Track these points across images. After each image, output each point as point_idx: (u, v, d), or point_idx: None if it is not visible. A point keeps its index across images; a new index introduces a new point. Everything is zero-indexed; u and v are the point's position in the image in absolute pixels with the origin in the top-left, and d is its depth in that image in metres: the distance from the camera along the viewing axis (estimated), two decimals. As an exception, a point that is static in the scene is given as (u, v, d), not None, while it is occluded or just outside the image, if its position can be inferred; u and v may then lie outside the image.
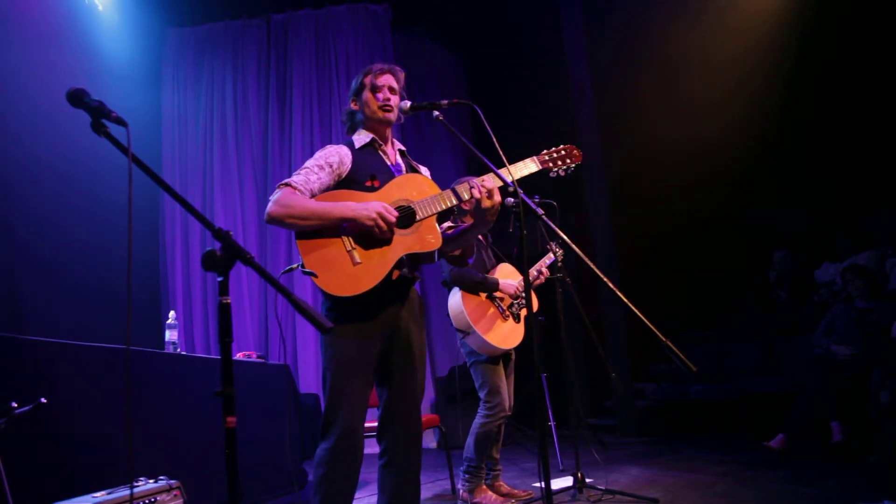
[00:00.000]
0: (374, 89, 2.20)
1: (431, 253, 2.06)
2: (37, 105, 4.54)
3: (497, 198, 2.04)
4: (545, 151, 2.20)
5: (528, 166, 2.15)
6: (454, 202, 2.08)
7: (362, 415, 2.01)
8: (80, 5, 5.44)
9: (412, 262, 2.07)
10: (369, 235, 1.97)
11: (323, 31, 6.75)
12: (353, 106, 2.26)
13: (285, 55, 6.74)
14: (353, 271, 1.95)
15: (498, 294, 3.45)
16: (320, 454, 1.95)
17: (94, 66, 5.50)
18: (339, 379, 1.98)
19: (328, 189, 2.07)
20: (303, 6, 6.76)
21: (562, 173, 2.20)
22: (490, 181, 2.05)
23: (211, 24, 6.74)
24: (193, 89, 6.66)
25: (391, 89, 2.20)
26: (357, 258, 1.96)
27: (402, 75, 2.26)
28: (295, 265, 2.01)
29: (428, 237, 2.05)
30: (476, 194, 2.03)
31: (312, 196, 2.03)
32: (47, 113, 4.48)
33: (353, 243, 1.98)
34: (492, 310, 3.41)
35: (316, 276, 1.91)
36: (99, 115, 1.32)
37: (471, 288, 3.40)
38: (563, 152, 2.21)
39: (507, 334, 3.40)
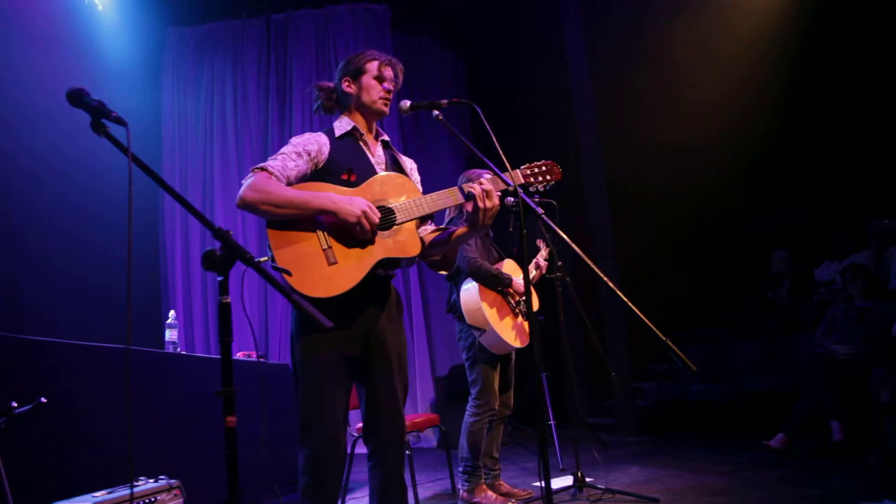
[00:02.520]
0: (380, 79, 2.12)
1: (409, 258, 1.98)
2: (37, 105, 4.54)
3: (495, 201, 1.96)
4: (526, 165, 2.16)
5: (517, 177, 2.11)
6: (438, 207, 2.00)
7: (342, 420, 1.94)
8: (80, 5, 5.44)
9: (388, 264, 1.98)
10: (347, 233, 1.88)
11: (323, 30, 6.76)
12: (345, 87, 2.12)
13: (285, 55, 6.74)
14: (327, 272, 1.85)
15: (509, 290, 3.44)
16: (302, 463, 1.89)
17: (94, 65, 5.50)
18: (313, 386, 1.91)
19: (305, 178, 1.97)
20: (302, 6, 6.76)
21: (541, 188, 2.16)
22: (488, 183, 1.97)
23: (211, 23, 6.75)
24: (193, 89, 6.67)
25: (392, 82, 2.14)
26: (333, 257, 1.87)
27: (401, 69, 2.18)
28: (264, 258, 1.92)
29: (407, 243, 1.96)
30: (476, 192, 1.94)
31: (289, 184, 1.91)
32: (47, 112, 4.48)
33: (329, 240, 1.88)
34: (506, 307, 3.39)
35: (289, 273, 1.79)
36: (99, 114, 1.32)
37: (487, 281, 3.34)
38: (543, 168, 2.17)
39: (519, 331, 3.39)
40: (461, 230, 2.09)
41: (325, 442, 1.88)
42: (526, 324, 3.46)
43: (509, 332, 3.33)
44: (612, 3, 6.25)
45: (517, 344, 3.35)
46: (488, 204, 1.94)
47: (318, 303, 1.80)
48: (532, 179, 2.15)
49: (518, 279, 3.42)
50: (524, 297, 3.47)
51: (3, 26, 4.52)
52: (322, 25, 6.77)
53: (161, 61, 6.71)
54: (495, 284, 3.36)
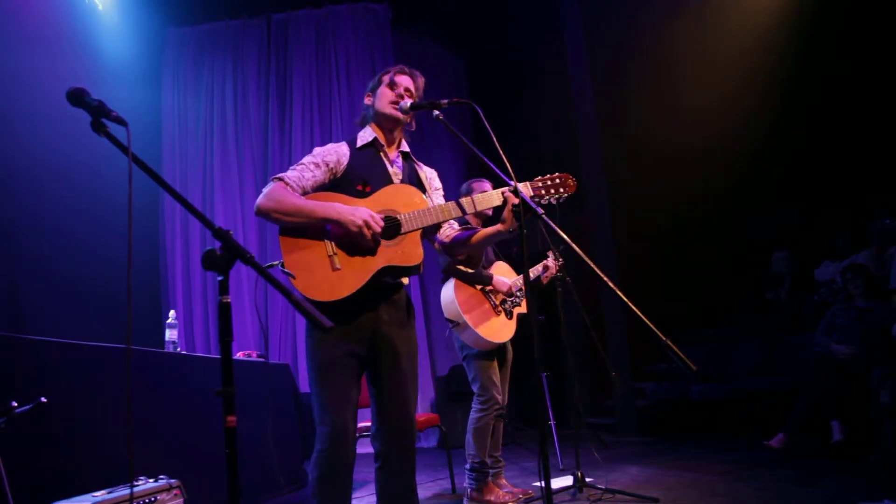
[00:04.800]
0: (392, 85, 2.18)
1: (412, 267, 2.02)
2: (37, 105, 4.54)
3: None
4: (538, 178, 2.12)
5: (526, 190, 2.08)
6: (444, 218, 2.04)
7: (350, 414, 1.99)
8: (80, 5, 5.44)
9: (394, 272, 2.03)
10: (352, 242, 1.95)
11: (323, 30, 6.76)
12: (367, 101, 2.24)
13: (285, 55, 6.74)
14: (331, 277, 1.93)
15: (490, 289, 3.47)
16: (314, 457, 1.97)
17: (94, 65, 5.51)
18: (321, 383, 1.98)
19: (322, 187, 2.06)
20: (303, 6, 6.76)
21: (553, 201, 2.11)
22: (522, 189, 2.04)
23: (211, 23, 6.75)
24: (193, 89, 6.66)
25: (407, 90, 2.18)
26: (337, 264, 1.95)
27: (421, 81, 2.24)
28: (275, 262, 1.98)
29: (411, 252, 2.01)
30: (508, 194, 2.01)
31: (304, 193, 2.01)
32: (47, 112, 4.48)
33: (335, 248, 1.96)
34: (485, 304, 3.44)
35: (293, 276, 1.90)
36: (99, 114, 1.32)
37: (465, 278, 3.42)
38: (557, 180, 2.12)
39: (497, 328, 3.42)
40: (489, 229, 2.14)
41: (334, 436, 1.94)
42: (510, 321, 3.50)
43: (485, 327, 3.37)
44: (612, 3, 6.24)
45: (494, 340, 3.38)
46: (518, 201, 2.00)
47: (323, 306, 1.89)
48: (543, 192, 2.10)
49: (498, 278, 3.47)
50: (510, 297, 3.50)
51: (3, 26, 4.52)
52: (322, 25, 6.77)
53: (161, 61, 6.71)
54: (475, 282, 3.44)
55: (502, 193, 2.04)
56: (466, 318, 3.32)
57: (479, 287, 3.45)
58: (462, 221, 2.39)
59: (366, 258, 1.97)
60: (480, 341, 3.35)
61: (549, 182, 2.12)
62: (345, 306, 1.93)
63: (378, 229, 1.93)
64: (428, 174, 2.29)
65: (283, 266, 1.93)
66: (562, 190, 2.12)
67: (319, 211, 1.93)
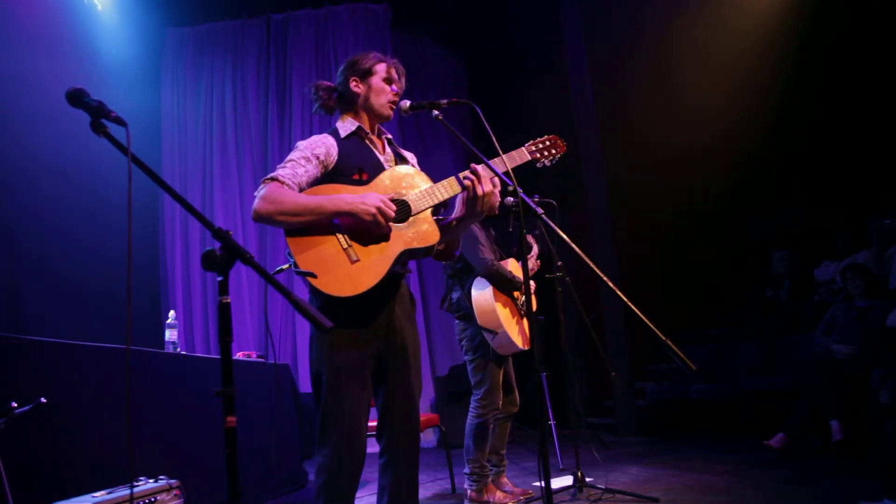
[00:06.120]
0: (389, 81, 2.13)
1: (429, 247, 1.99)
2: (37, 105, 4.54)
3: (489, 186, 1.97)
4: (531, 142, 2.18)
5: (522, 155, 2.14)
6: (450, 194, 2.02)
7: (363, 420, 1.95)
8: (80, 6, 5.44)
9: (411, 255, 1.99)
10: (365, 231, 1.90)
11: (323, 30, 6.77)
12: (353, 87, 2.13)
13: (285, 55, 6.75)
14: (351, 270, 1.86)
15: (516, 293, 3.42)
16: (321, 461, 1.90)
17: (93, 66, 5.51)
18: (334, 387, 1.91)
19: (316, 182, 1.98)
20: (302, 6, 6.76)
21: (547, 163, 2.18)
22: (481, 168, 1.99)
23: (211, 23, 6.76)
24: (193, 89, 6.67)
25: (398, 85, 2.16)
26: (354, 255, 1.88)
27: (404, 77, 2.21)
28: (286, 265, 1.92)
29: (426, 232, 1.97)
30: (468, 183, 1.97)
31: (301, 190, 1.93)
32: (47, 113, 4.49)
33: (348, 240, 1.90)
34: (514, 309, 3.39)
35: (314, 276, 1.81)
36: (98, 114, 1.32)
37: (503, 284, 3.31)
38: (547, 143, 2.18)
39: (524, 332, 3.39)
40: (458, 217, 2.08)
41: (345, 442, 1.89)
42: (526, 324, 3.46)
43: (517, 333, 3.33)
44: (612, 3, 6.24)
45: (524, 346, 3.33)
46: (483, 189, 1.96)
47: (343, 302, 1.84)
48: (538, 155, 2.16)
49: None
50: (524, 298, 3.47)
51: (3, 26, 4.52)
52: (322, 25, 6.77)
53: (161, 61, 6.71)
54: (509, 287, 3.35)
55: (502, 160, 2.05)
56: (505, 326, 3.23)
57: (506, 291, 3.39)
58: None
59: (381, 245, 1.92)
60: (512, 347, 3.29)
61: (540, 145, 2.19)
62: (363, 302, 1.88)
63: (392, 214, 1.88)
64: (410, 158, 2.25)
65: (296, 267, 1.85)
66: (554, 151, 2.19)
67: (329, 206, 1.86)
